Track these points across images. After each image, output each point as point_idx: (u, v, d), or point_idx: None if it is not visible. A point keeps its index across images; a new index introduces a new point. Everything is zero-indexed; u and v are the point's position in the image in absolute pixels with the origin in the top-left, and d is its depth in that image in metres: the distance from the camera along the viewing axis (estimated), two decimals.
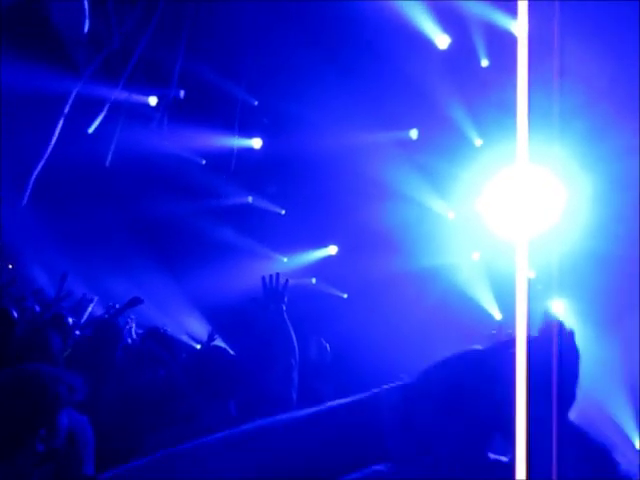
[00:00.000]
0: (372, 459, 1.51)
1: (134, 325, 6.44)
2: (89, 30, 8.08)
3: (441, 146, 9.55)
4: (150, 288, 8.67)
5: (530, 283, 1.36)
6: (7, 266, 7.67)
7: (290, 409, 2.93)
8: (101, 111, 8.89)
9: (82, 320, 6.15)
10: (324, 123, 9.25)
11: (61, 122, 8.47)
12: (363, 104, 9.02)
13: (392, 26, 8.34)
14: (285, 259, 11.18)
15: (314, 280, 11.35)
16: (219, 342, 6.69)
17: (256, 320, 4.39)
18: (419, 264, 9.77)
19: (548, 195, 8.81)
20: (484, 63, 8.80)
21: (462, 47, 8.73)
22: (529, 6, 1.51)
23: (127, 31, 8.46)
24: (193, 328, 9.08)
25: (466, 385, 1.51)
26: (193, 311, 9.83)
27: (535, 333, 1.33)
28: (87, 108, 8.82)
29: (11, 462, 2.11)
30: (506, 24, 8.19)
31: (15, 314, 4.60)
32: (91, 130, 8.84)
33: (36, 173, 8.52)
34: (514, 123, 1.39)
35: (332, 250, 11.33)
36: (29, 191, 8.58)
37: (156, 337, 5.17)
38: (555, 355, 1.32)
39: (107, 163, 9.22)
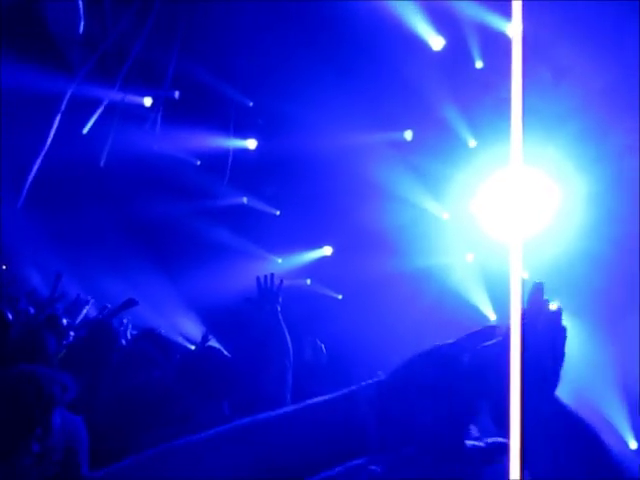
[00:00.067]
0: (354, 452, 1.55)
1: (130, 326, 6.43)
2: (84, 30, 8.07)
3: (435, 147, 9.57)
4: (145, 289, 8.65)
5: (524, 284, 1.36)
6: (1, 267, 7.64)
7: None
8: (96, 112, 8.89)
9: (77, 321, 6.13)
10: (319, 124, 9.25)
11: (56, 122, 8.46)
12: (357, 105, 9.03)
13: (386, 27, 8.35)
14: (280, 260, 11.17)
15: (309, 281, 11.35)
16: (214, 343, 6.69)
17: (251, 321, 4.39)
18: (414, 265, 9.78)
19: (542, 196, 8.84)
20: (478, 64, 8.82)
21: (456, 48, 8.75)
22: (523, 7, 1.51)
23: (122, 31, 8.45)
24: (188, 329, 9.07)
25: (433, 382, 1.54)
26: (188, 312, 9.82)
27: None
28: (82, 108, 8.81)
29: (10, 463, 2.12)
30: (500, 26, 8.22)
31: (10, 316, 4.59)
32: (85, 131, 8.83)
33: (33, 174, 8.51)
34: (508, 124, 1.40)
35: (327, 251, 11.33)
36: (25, 192, 8.57)
37: (151, 338, 5.17)
38: (539, 336, 1.34)
39: (102, 163, 9.20)
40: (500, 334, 1.40)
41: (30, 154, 8.58)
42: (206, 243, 10.49)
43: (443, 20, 8.55)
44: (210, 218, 10.69)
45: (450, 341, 1.55)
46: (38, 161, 8.51)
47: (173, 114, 9.48)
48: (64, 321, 5.37)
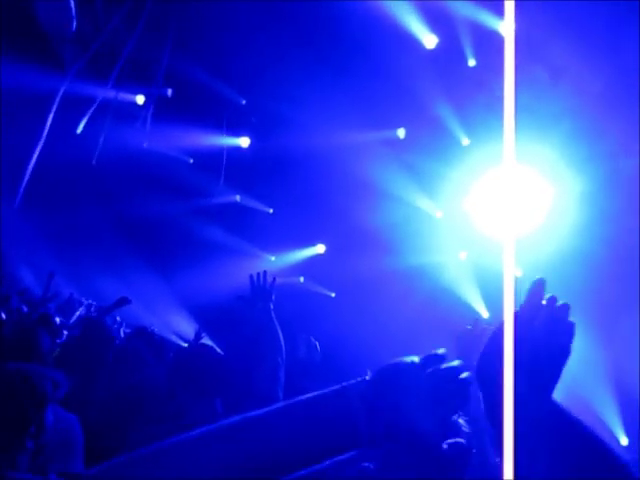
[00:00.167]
0: (344, 446, 1.60)
1: (123, 325, 6.43)
2: (76, 28, 8.04)
3: (429, 145, 9.58)
4: (138, 287, 8.65)
5: (517, 281, 1.37)
6: None
7: None
8: (88, 110, 8.86)
9: (70, 320, 6.12)
10: (312, 122, 9.25)
11: (49, 121, 8.43)
12: (350, 104, 9.03)
13: (380, 26, 8.35)
14: (273, 258, 11.18)
15: (302, 279, 11.37)
16: (206, 340, 6.69)
17: (243, 318, 4.40)
18: (407, 263, 9.80)
19: (535, 195, 8.86)
20: (471, 63, 8.83)
21: (449, 47, 8.76)
22: (517, 6, 1.52)
23: (114, 29, 8.43)
24: (181, 326, 9.07)
25: (416, 383, 1.69)
26: (181, 309, 9.82)
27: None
28: (74, 107, 8.78)
29: (5, 460, 2.12)
30: (493, 24, 8.23)
31: (3, 315, 4.59)
32: (79, 130, 8.81)
33: (28, 174, 8.49)
34: (501, 123, 1.40)
35: (320, 249, 11.34)
36: (22, 192, 8.55)
37: (144, 336, 5.17)
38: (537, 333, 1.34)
39: (94, 162, 9.18)
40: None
41: (23, 153, 8.56)
42: (199, 241, 10.49)
43: (436, 18, 8.55)
44: (203, 216, 10.69)
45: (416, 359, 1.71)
46: (33, 160, 8.49)
47: (166, 112, 9.46)
48: (57, 320, 5.37)
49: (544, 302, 1.38)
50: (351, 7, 8.20)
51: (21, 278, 8.12)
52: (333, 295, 11.19)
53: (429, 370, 1.70)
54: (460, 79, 8.90)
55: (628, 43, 7.27)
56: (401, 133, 10.00)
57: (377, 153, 9.67)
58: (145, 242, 9.99)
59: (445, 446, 1.69)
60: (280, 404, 1.54)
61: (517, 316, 1.32)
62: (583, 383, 7.72)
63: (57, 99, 8.43)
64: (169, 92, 9.49)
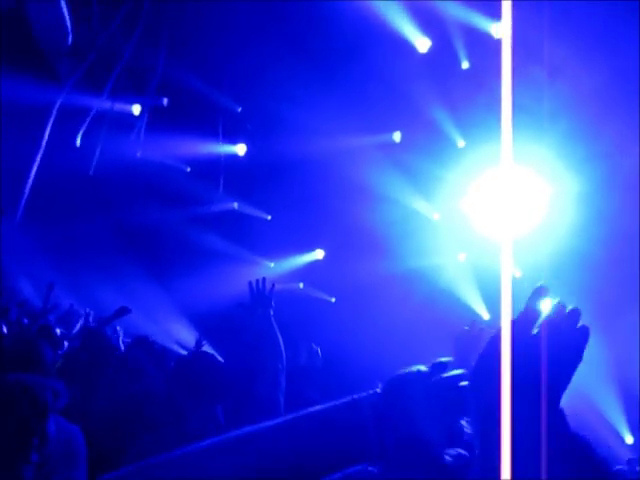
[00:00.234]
0: (355, 458, 1.63)
1: (122, 334, 6.41)
2: (72, 42, 8.05)
3: (424, 148, 9.59)
4: (138, 296, 8.64)
5: (516, 282, 1.37)
6: None
7: (277, 413, 2.95)
8: (84, 121, 8.87)
9: (71, 331, 6.11)
10: (308, 128, 9.26)
11: (47, 133, 8.44)
12: (346, 108, 9.05)
13: (373, 30, 8.38)
14: (272, 264, 11.17)
15: (301, 285, 11.35)
16: (207, 348, 6.68)
17: (243, 325, 4.39)
18: (406, 266, 9.80)
19: (532, 195, 8.87)
20: (464, 65, 8.85)
21: (443, 50, 8.78)
22: (513, 6, 1.53)
23: (109, 38, 8.44)
24: (181, 335, 9.06)
25: (410, 405, 1.76)
26: (181, 318, 9.81)
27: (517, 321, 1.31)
28: (71, 118, 8.78)
29: (11, 475, 2.11)
30: (485, 26, 8.25)
31: (4, 328, 4.58)
32: (78, 142, 8.81)
33: (29, 186, 8.49)
34: (497, 124, 1.40)
35: (319, 254, 11.34)
36: (23, 204, 8.55)
37: (144, 346, 5.16)
38: (542, 340, 1.32)
39: (91, 172, 9.18)
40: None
41: (22, 165, 8.56)
42: (198, 249, 10.49)
43: (429, 22, 8.57)
44: (201, 224, 10.68)
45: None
46: (32, 172, 8.49)
47: (162, 121, 9.47)
48: (58, 331, 5.36)
49: (550, 310, 1.33)
50: (345, 13, 8.22)
51: (20, 290, 8.11)
52: (333, 300, 11.18)
53: (434, 379, 1.75)
54: (454, 82, 8.92)
55: (625, 43, 7.28)
56: (397, 136, 10.02)
57: (373, 157, 9.68)
58: (144, 251, 9.98)
59: (448, 458, 1.73)
60: (290, 416, 1.54)
61: (514, 324, 1.29)
62: (587, 382, 7.72)
63: (54, 112, 8.44)
64: (165, 101, 9.50)
